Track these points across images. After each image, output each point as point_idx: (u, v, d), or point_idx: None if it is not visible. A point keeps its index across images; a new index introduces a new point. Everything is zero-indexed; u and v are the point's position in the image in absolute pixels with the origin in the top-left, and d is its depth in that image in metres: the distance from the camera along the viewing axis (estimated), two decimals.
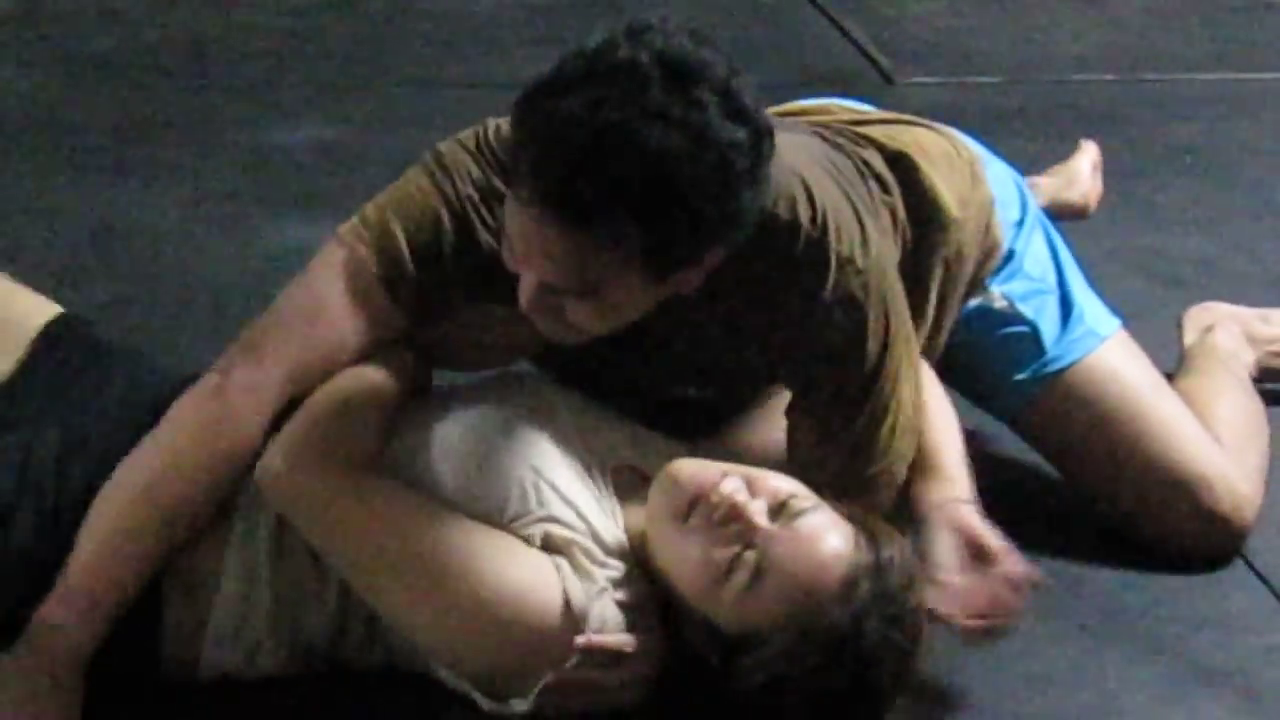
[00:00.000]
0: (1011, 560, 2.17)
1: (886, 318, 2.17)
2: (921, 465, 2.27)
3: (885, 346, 2.16)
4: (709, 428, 2.37)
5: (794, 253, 2.13)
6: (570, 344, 2.12)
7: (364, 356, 2.17)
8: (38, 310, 2.34)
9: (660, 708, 2.11)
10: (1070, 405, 2.53)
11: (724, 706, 2.05)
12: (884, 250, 2.23)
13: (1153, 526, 2.51)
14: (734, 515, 2.03)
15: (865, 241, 2.17)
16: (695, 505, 2.04)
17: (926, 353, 2.40)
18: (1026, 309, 2.56)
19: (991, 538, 2.18)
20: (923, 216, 2.40)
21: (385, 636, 2.14)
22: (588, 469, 2.17)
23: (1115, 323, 2.61)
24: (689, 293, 2.09)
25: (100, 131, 3.89)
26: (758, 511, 2.03)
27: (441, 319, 2.23)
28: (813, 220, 2.13)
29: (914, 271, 2.37)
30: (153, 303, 3.15)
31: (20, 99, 4.08)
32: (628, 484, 2.20)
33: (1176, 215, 3.54)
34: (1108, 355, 2.56)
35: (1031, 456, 2.67)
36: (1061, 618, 2.38)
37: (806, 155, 2.23)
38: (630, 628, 2.07)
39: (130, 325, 2.94)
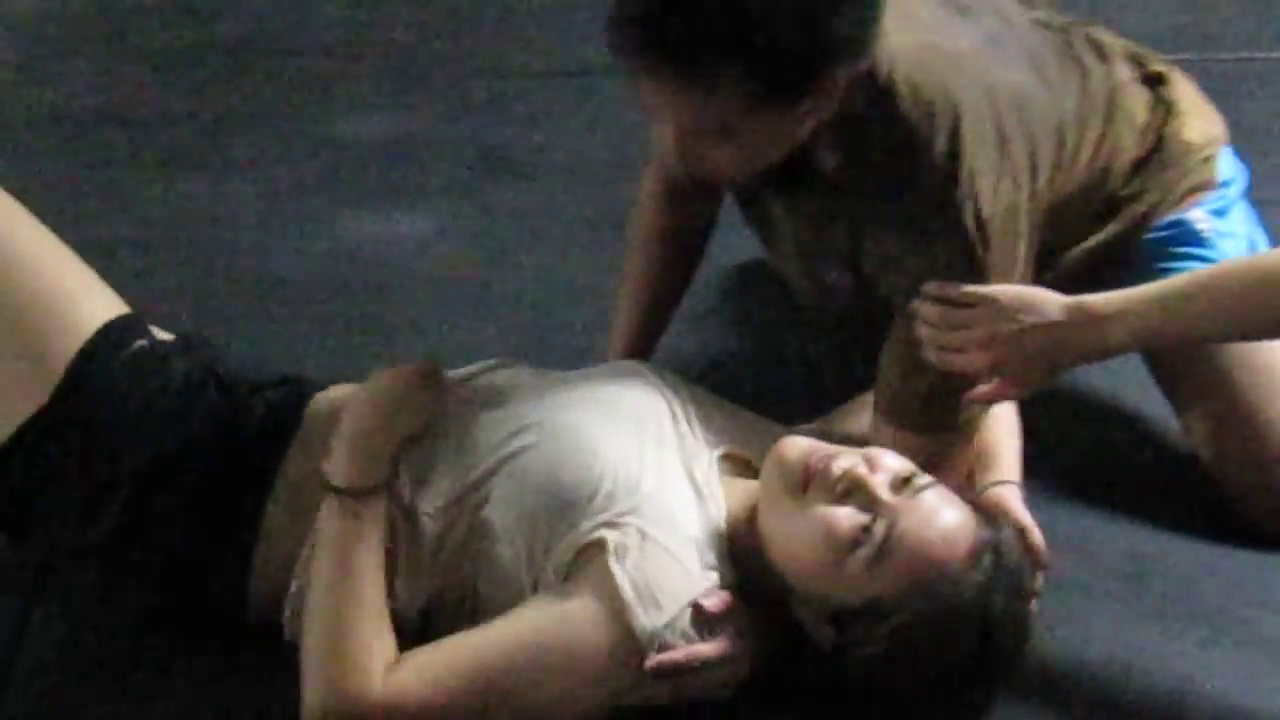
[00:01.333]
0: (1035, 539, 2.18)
1: (989, 264, 2.16)
2: (980, 457, 2.28)
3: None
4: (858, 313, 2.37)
5: (916, 176, 2.14)
6: (729, 188, 2.23)
7: None
8: (102, 309, 2.35)
9: (762, 692, 2.11)
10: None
11: (829, 686, 2.06)
12: (1018, 201, 2.21)
13: (1248, 492, 2.47)
14: (857, 486, 2.03)
15: (996, 190, 2.16)
16: (812, 480, 2.04)
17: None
18: (1223, 242, 2.53)
19: (1025, 518, 2.19)
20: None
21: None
22: (691, 467, 2.16)
23: None
24: (822, 125, 2.12)
25: (173, 125, 3.92)
26: (880, 484, 2.03)
27: None
28: (947, 155, 2.14)
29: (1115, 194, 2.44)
30: (227, 295, 3.18)
31: (94, 93, 4.11)
32: (733, 472, 2.19)
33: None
34: None
35: (1110, 440, 2.65)
36: (1138, 600, 2.37)
37: (988, 72, 2.23)
38: (716, 633, 2.06)
39: (204, 317, 2.97)
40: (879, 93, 2.15)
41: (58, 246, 2.35)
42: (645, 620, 2.01)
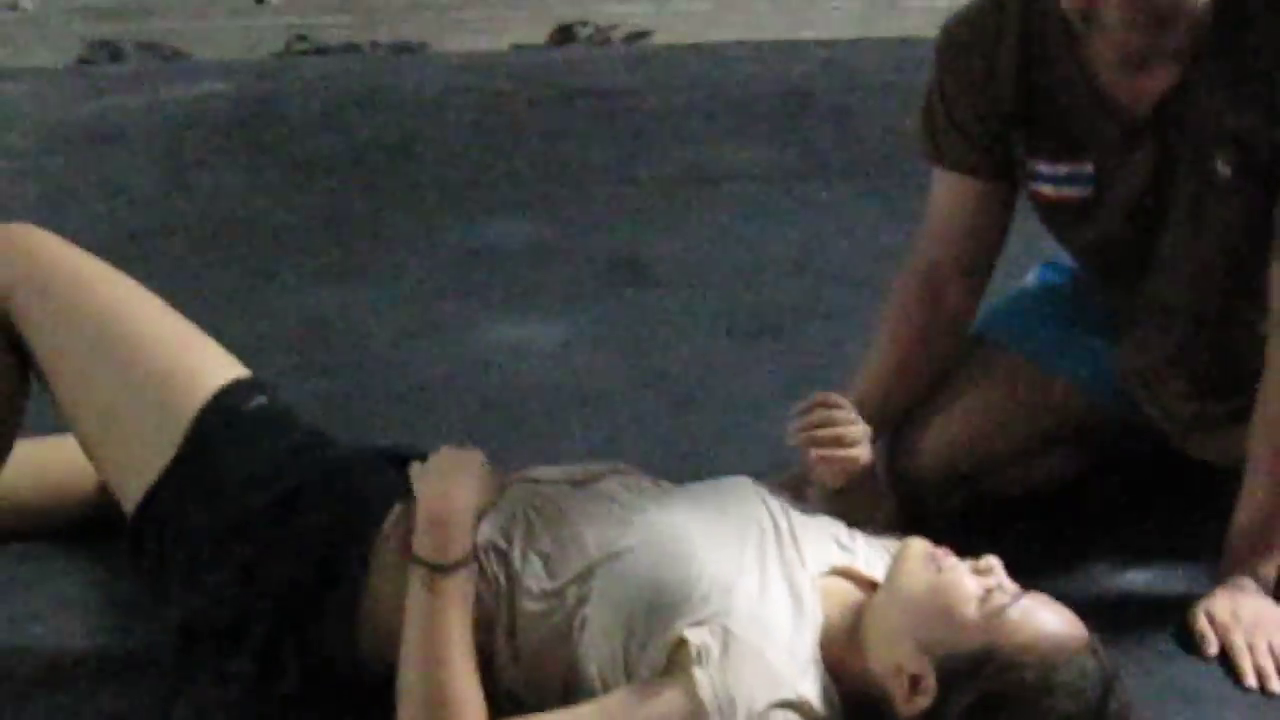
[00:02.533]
0: None
1: None
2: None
3: None
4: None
5: None
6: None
7: None
8: (225, 372, 2.42)
9: None
10: None
11: None
12: None
13: None
14: (989, 570, 2.10)
15: None
16: (947, 560, 2.12)
17: None
18: None
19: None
20: None
21: None
22: (792, 576, 2.18)
23: None
24: None
25: (315, 230, 3.99)
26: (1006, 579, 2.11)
27: None
28: None
29: None
30: (364, 399, 3.21)
31: (239, 200, 4.19)
32: (834, 587, 2.21)
33: None
34: None
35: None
36: None
37: None
38: None
39: (342, 424, 3.00)
40: None
41: (185, 323, 2.45)
42: (719, 688, 2.05)
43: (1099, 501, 2.73)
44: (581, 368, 3.32)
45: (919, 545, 2.15)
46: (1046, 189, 2.56)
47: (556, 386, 3.24)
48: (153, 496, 2.31)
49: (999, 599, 2.06)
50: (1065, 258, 2.76)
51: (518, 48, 5.72)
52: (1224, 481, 2.52)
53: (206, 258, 3.84)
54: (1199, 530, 2.59)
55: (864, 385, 2.60)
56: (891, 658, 2.09)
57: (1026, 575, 2.13)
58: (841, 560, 2.25)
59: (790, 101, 4.94)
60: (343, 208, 4.14)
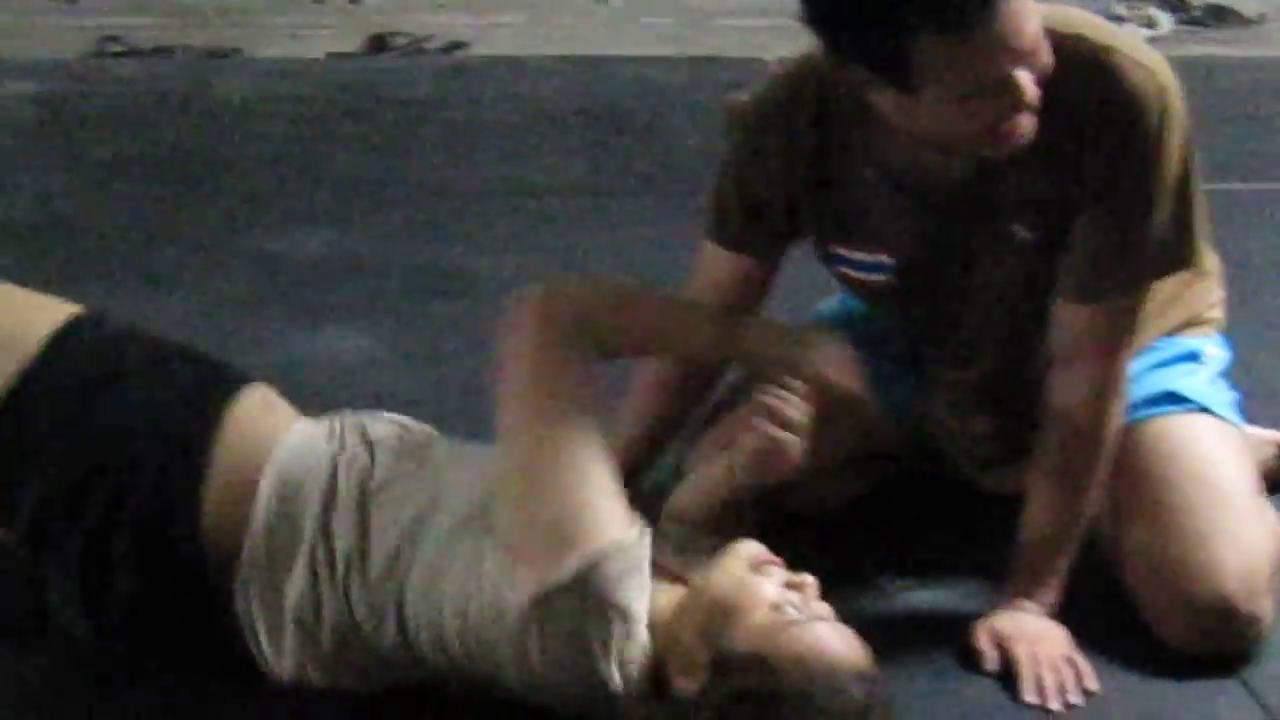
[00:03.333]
0: None
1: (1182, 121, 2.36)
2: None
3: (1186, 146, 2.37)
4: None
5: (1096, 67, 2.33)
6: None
7: None
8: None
9: None
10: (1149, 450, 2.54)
11: None
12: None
13: (1162, 598, 2.47)
14: (802, 586, 2.16)
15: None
16: (762, 567, 2.18)
17: None
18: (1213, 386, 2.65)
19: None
20: None
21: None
22: None
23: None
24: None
25: (113, 237, 3.95)
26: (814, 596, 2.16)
27: None
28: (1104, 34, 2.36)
29: None
30: None
31: (35, 203, 4.13)
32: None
33: None
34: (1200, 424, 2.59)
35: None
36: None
37: None
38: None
39: None
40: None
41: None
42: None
43: (885, 519, 2.78)
44: (386, 379, 3.32)
45: (748, 547, 2.21)
46: (847, 270, 2.58)
47: (360, 398, 3.22)
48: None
49: (791, 613, 2.11)
50: None
51: (333, 56, 5.70)
52: (1012, 501, 2.57)
53: (3, 260, 3.78)
54: (985, 549, 2.63)
55: (628, 433, 2.62)
56: (680, 636, 2.14)
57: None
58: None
59: (602, 117, 4.97)
60: (148, 213, 4.09)
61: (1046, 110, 2.27)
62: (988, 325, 2.57)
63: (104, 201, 4.16)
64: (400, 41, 5.83)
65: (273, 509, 2.29)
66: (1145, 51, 2.40)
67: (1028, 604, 2.47)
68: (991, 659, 2.42)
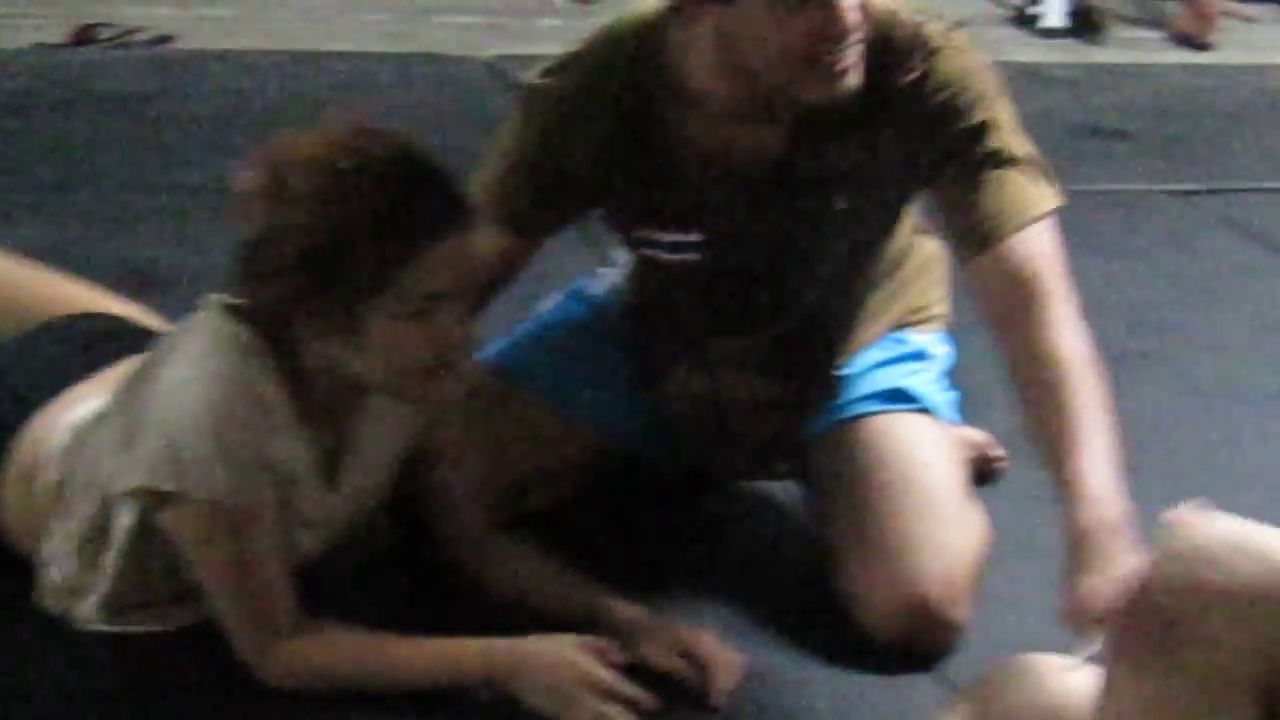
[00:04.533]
0: None
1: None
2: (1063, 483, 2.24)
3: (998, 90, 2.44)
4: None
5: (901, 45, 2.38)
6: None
7: None
8: None
9: None
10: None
11: None
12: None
13: (866, 599, 2.51)
14: None
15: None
16: None
17: None
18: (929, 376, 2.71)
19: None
20: None
21: None
22: None
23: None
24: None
25: None
26: None
27: None
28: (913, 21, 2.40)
29: None
30: None
31: None
32: None
33: None
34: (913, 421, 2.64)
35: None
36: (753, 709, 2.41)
37: None
38: None
39: None
40: None
41: None
42: None
43: (582, 527, 2.76)
44: None
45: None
46: (654, 253, 2.58)
47: None
48: None
49: None
50: (590, 286, 2.80)
51: (38, 46, 5.58)
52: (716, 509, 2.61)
53: None
54: (679, 555, 2.71)
55: None
56: None
57: None
58: None
59: (312, 113, 4.92)
60: None
61: (864, 83, 2.31)
62: (796, 293, 2.59)
63: None
64: (107, 33, 5.73)
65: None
66: (948, 25, 2.45)
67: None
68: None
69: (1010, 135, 2.44)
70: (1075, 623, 2.04)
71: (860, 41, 2.29)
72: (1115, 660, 1.81)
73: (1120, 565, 2.03)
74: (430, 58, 5.59)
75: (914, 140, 2.43)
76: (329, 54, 5.61)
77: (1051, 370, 2.31)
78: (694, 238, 2.53)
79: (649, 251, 2.59)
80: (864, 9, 2.30)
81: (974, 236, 2.41)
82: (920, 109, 2.41)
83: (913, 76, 2.40)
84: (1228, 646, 1.71)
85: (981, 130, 2.42)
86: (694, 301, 2.63)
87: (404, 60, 5.60)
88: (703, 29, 2.30)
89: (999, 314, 2.40)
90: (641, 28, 2.44)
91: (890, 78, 2.39)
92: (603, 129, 2.45)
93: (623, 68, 2.44)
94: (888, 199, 2.55)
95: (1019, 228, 2.40)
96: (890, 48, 2.38)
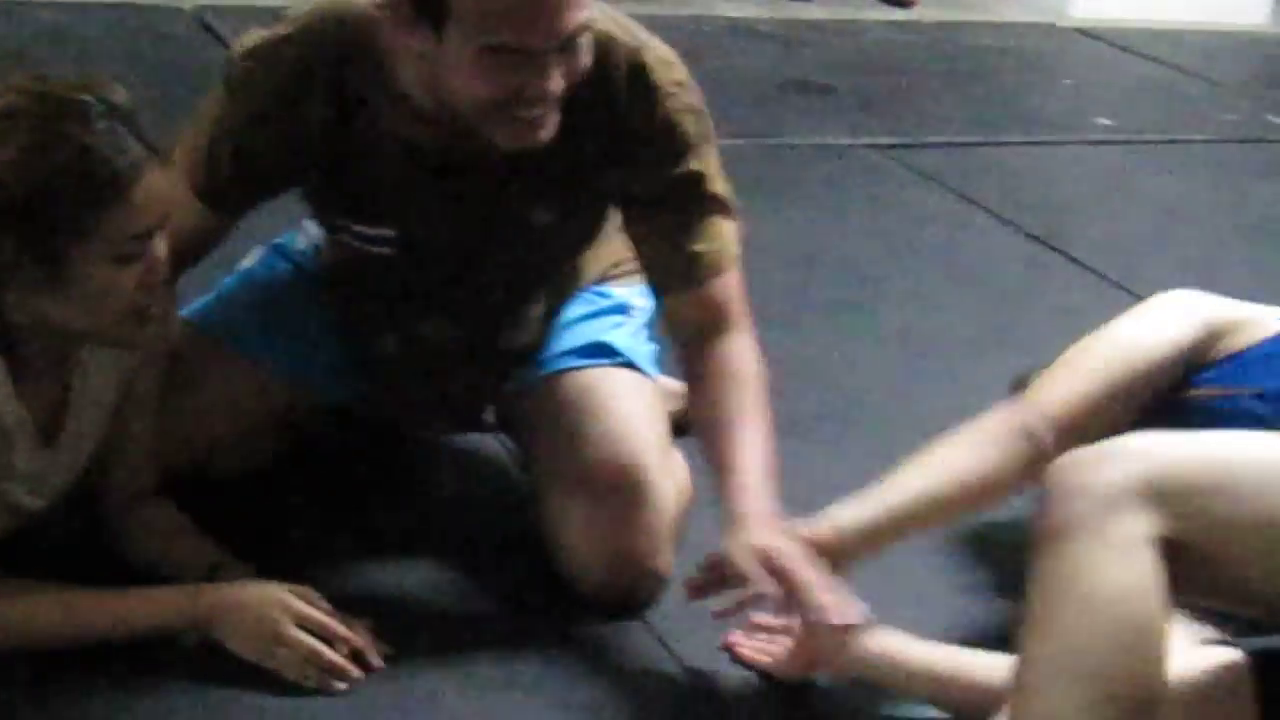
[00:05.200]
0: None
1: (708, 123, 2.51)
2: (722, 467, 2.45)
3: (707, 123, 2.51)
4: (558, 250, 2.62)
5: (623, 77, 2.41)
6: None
7: None
8: None
9: None
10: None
11: None
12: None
13: (572, 549, 2.55)
14: None
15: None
16: None
17: None
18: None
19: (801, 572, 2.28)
20: None
21: None
22: None
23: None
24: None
25: None
26: None
27: None
28: (631, 50, 2.42)
29: None
30: None
31: None
32: None
33: None
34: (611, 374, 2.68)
35: None
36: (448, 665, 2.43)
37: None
38: None
39: None
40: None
41: None
42: None
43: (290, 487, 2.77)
44: None
45: None
46: (349, 240, 2.56)
47: None
48: None
49: None
50: (295, 241, 2.79)
51: None
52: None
53: None
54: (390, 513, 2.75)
55: None
56: None
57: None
58: None
59: (12, 66, 4.79)
60: None
61: (578, 103, 2.32)
62: (488, 294, 2.61)
63: None
64: None
65: None
66: (665, 50, 2.48)
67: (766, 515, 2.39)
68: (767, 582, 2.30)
69: (718, 182, 2.52)
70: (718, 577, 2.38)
71: (560, 98, 2.29)
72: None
73: (768, 538, 2.31)
74: (135, 8, 5.49)
75: (625, 172, 2.49)
76: (30, 3, 5.48)
77: (726, 383, 2.51)
78: (388, 233, 2.53)
79: (344, 238, 2.59)
80: (576, 59, 2.28)
81: (679, 274, 2.53)
82: (634, 147, 2.46)
83: (629, 111, 2.43)
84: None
85: (695, 178, 2.49)
86: (388, 288, 2.64)
87: (110, 10, 5.49)
88: (413, 44, 2.28)
89: (689, 336, 2.55)
90: (354, 18, 2.40)
91: (605, 108, 2.41)
92: (308, 115, 2.41)
93: (333, 56, 2.40)
94: (592, 215, 2.60)
95: (721, 272, 2.53)
96: (607, 77, 2.40)
